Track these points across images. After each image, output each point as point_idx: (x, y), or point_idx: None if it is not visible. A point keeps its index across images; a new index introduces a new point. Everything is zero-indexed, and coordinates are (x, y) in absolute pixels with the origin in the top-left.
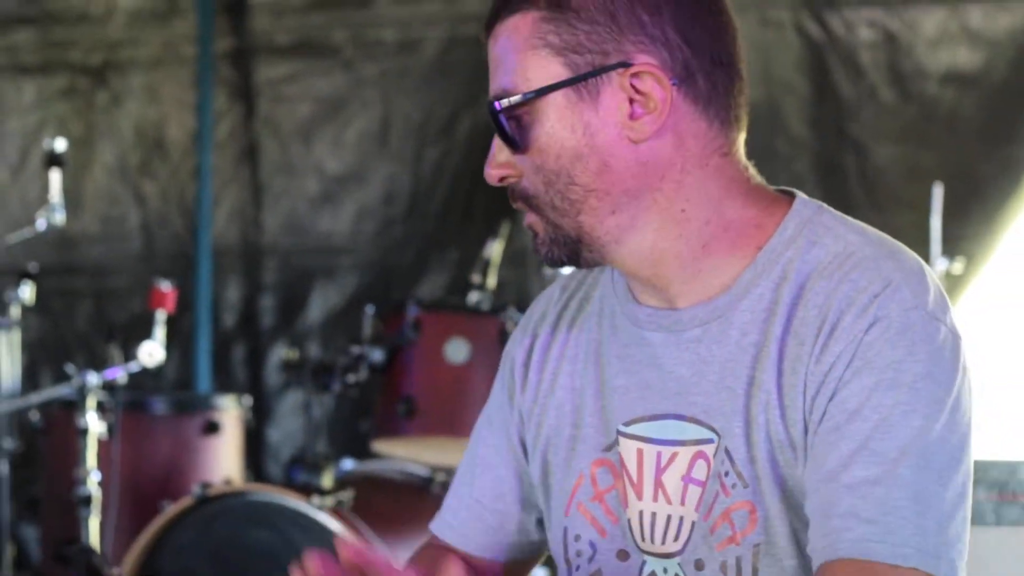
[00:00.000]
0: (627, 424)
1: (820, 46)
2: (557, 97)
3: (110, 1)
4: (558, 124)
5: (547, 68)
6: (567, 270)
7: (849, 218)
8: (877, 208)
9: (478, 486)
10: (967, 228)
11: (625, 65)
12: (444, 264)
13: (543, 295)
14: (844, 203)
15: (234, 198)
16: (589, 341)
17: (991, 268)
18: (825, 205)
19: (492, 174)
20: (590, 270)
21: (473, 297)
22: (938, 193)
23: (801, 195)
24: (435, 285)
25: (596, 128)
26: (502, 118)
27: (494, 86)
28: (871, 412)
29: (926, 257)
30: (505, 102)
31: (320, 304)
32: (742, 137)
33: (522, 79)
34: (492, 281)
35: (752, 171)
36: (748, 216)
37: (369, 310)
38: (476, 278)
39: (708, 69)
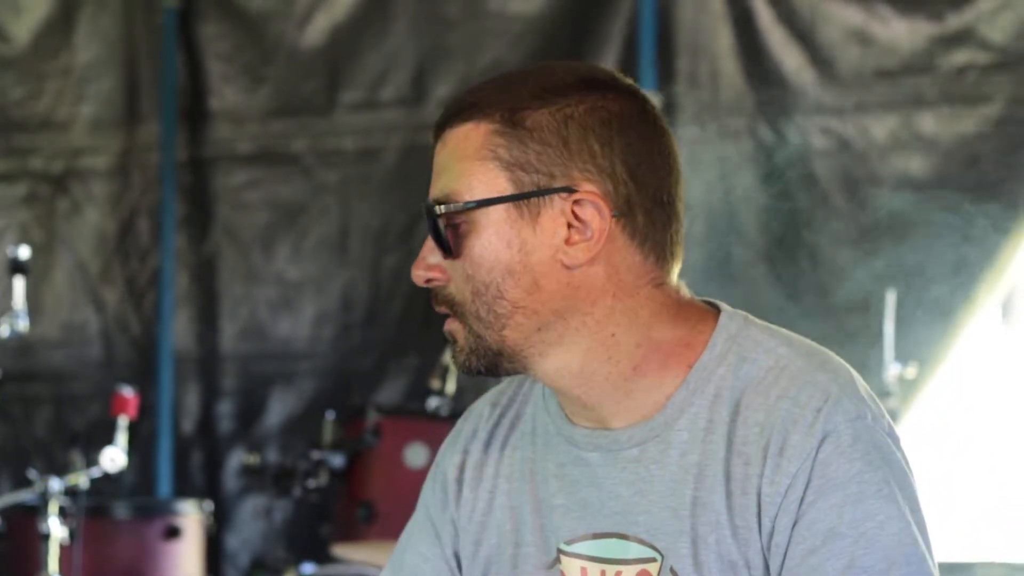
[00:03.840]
0: (568, 543)
1: (775, 153)
2: (498, 211)
3: (72, 109)
4: (495, 237)
5: (493, 181)
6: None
7: (775, 328)
8: (831, 313)
9: None
10: (920, 333)
11: (569, 190)
12: (403, 370)
13: (473, 411)
14: (799, 308)
15: (193, 304)
16: (523, 459)
17: (945, 373)
18: (750, 316)
19: (419, 275)
20: (520, 386)
21: (432, 402)
22: (891, 298)
23: (726, 307)
24: (394, 390)
25: (532, 247)
26: (439, 222)
27: (436, 189)
28: (848, 529)
29: (880, 362)
30: (445, 208)
31: (279, 409)
32: (677, 268)
33: (466, 187)
34: (451, 387)
35: (683, 290)
36: (678, 336)
37: (330, 415)
38: (435, 384)
39: (649, 207)
